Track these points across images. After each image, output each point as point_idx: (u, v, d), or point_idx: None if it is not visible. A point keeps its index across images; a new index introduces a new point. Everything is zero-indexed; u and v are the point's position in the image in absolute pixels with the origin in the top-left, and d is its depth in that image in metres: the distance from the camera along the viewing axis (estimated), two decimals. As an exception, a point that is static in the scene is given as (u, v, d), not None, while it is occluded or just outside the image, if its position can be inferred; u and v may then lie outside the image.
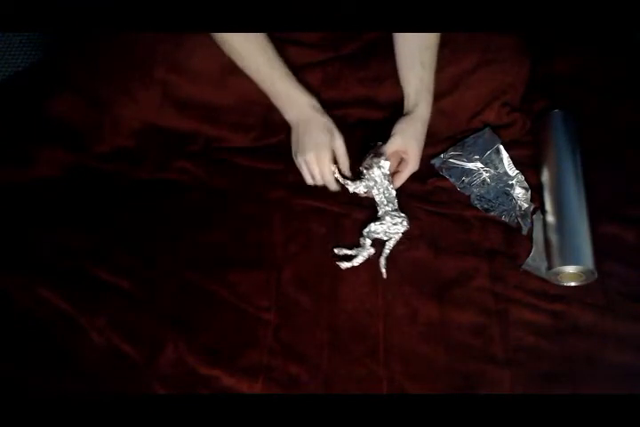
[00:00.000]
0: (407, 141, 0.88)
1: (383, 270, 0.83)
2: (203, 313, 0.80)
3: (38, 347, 0.76)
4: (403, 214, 0.85)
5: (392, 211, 0.86)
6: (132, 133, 0.96)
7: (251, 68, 0.91)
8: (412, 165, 0.89)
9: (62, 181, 0.92)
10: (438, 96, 0.94)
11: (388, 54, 0.96)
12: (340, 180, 0.88)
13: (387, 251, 0.84)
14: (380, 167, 0.86)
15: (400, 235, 0.85)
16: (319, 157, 0.86)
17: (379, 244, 0.85)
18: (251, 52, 0.90)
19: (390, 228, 0.84)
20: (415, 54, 0.91)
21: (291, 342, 0.78)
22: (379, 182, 0.87)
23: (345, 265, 0.83)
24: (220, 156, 0.95)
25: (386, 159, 0.87)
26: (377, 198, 0.87)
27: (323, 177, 0.88)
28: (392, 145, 0.88)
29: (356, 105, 0.98)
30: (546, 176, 0.90)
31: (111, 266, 0.83)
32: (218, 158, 0.95)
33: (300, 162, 0.88)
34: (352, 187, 0.88)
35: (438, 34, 0.91)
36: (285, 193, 0.91)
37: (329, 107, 0.95)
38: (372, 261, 0.84)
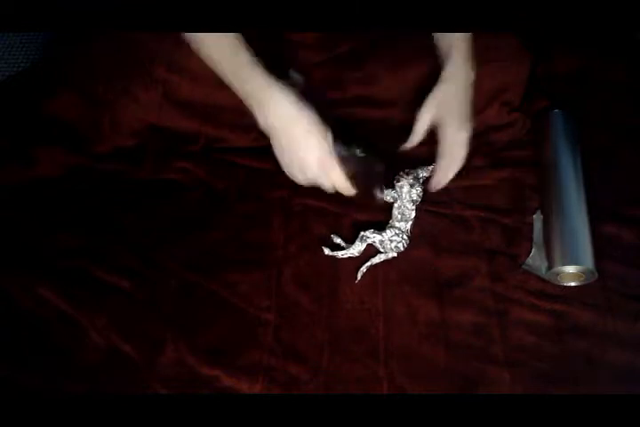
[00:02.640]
0: (439, 117, 0.82)
1: (358, 276, 0.82)
2: (203, 313, 0.80)
3: (38, 347, 0.76)
4: (407, 238, 0.84)
5: (400, 229, 0.84)
6: (132, 133, 0.96)
7: (222, 70, 0.81)
8: (456, 160, 0.83)
9: (62, 181, 0.92)
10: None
11: (385, 52, 0.96)
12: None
13: (372, 261, 0.83)
14: (410, 192, 0.86)
15: (392, 255, 0.83)
16: (324, 166, 0.77)
17: (373, 249, 0.84)
18: (221, 53, 0.80)
19: (385, 242, 0.83)
20: None
21: (291, 342, 0.78)
22: (404, 199, 0.86)
23: (327, 251, 0.84)
24: (220, 156, 0.95)
25: (421, 188, 0.86)
26: (394, 211, 0.86)
27: (336, 186, 0.80)
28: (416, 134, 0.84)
29: (356, 105, 0.98)
30: (546, 176, 0.90)
31: (111, 266, 0.83)
32: (218, 158, 0.95)
33: (300, 180, 0.80)
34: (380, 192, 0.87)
35: None
36: (285, 193, 0.91)
37: (328, 107, 0.95)
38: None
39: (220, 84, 0.94)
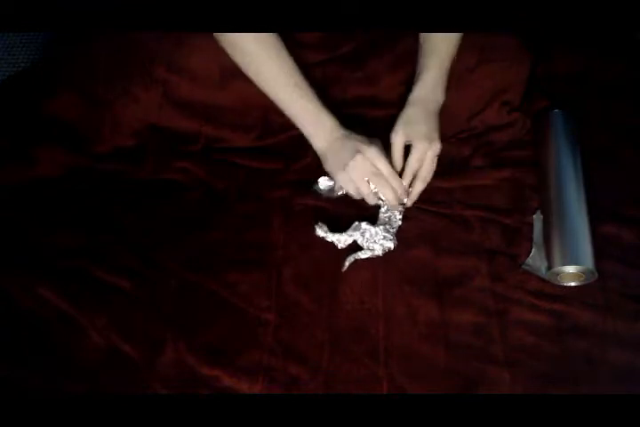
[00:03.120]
0: (408, 139, 0.87)
1: (346, 264, 0.83)
2: (203, 313, 0.80)
3: (38, 347, 0.76)
4: (395, 239, 0.85)
5: (390, 228, 0.85)
6: (132, 133, 0.96)
7: (263, 77, 0.89)
8: (422, 174, 0.87)
9: (62, 181, 0.92)
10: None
11: (384, 52, 0.96)
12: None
13: (359, 255, 0.83)
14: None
15: (377, 253, 0.83)
16: (353, 178, 0.85)
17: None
18: (265, 57, 0.87)
19: (378, 236, 0.83)
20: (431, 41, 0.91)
21: (291, 342, 0.78)
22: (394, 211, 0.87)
23: (320, 232, 0.84)
24: (220, 156, 0.95)
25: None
26: (381, 215, 0.87)
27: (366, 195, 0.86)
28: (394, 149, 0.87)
29: (356, 105, 0.98)
30: (546, 176, 0.90)
31: (111, 266, 0.83)
32: (218, 158, 0.95)
33: (341, 183, 0.87)
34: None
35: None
36: (285, 193, 0.91)
37: (329, 108, 0.95)
38: (372, 262, 0.84)
39: (219, 85, 0.94)
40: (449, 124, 0.96)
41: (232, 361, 0.76)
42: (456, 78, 0.94)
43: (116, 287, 0.81)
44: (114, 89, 0.95)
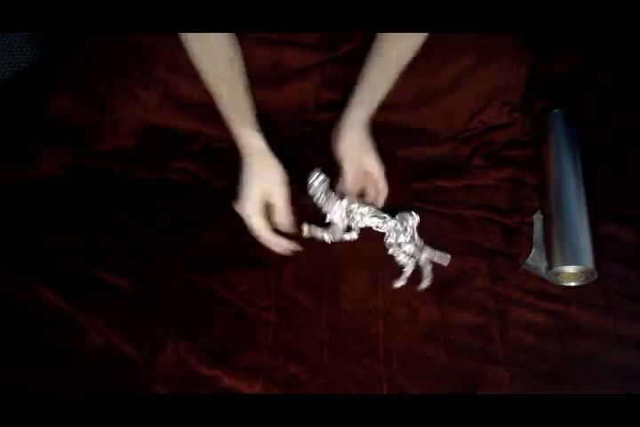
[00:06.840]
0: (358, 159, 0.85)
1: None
2: (203, 313, 0.80)
3: (38, 347, 0.76)
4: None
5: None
6: (132, 133, 0.96)
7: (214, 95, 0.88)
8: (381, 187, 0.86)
9: (62, 181, 0.92)
10: (438, 96, 0.94)
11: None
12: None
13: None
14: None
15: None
16: (255, 226, 0.82)
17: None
18: (214, 77, 0.87)
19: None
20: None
21: (291, 342, 0.78)
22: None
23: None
24: (220, 156, 0.95)
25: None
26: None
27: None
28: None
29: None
30: (546, 176, 0.90)
31: (111, 266, 0.83)
32: (218, 158, 0.95)
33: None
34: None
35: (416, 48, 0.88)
36: (285, 193, 0.91)
37: (328, 108, 0.95)
38: (372, 262, 0.84)
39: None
40: (449, 125, 0.96)
41: (232, 361, 0.76)
42: (456, 79, 0.94)
43: (116, 287, 0.81)
44: (113, 89, 0.95)
